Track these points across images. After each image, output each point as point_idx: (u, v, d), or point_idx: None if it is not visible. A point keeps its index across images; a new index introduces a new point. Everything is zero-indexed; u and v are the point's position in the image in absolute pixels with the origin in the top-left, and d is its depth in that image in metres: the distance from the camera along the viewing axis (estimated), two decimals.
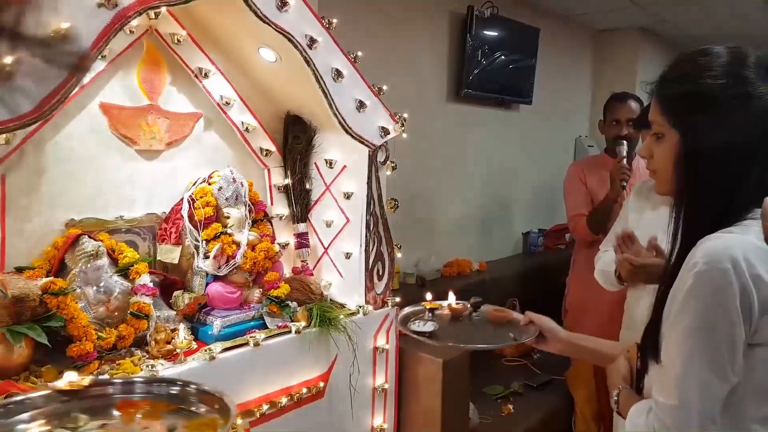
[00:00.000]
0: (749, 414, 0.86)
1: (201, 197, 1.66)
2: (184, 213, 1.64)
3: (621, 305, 2.18)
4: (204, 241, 1.63)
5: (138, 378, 0.91)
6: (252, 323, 1.68)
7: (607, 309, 2.34)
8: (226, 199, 1.69)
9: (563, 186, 2.71)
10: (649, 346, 0.95)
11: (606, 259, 1.90)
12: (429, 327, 1.37)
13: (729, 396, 0.85)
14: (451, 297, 1.52)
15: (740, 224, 0.87)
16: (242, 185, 1.74)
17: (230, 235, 1.67)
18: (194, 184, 1.71)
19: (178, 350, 1.44)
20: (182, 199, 1.68)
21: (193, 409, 0.83)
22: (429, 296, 1.51)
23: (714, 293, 0.82)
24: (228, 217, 1.69)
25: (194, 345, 1.52)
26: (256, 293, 1.73)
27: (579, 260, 2.68)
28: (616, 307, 2.21)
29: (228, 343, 1.53)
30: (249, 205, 1.77)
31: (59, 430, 0.77)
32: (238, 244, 1.68)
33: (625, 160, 2.37)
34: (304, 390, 1.68)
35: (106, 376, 0.94)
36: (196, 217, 1.64)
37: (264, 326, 1.68)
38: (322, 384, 1.73)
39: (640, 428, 0.89)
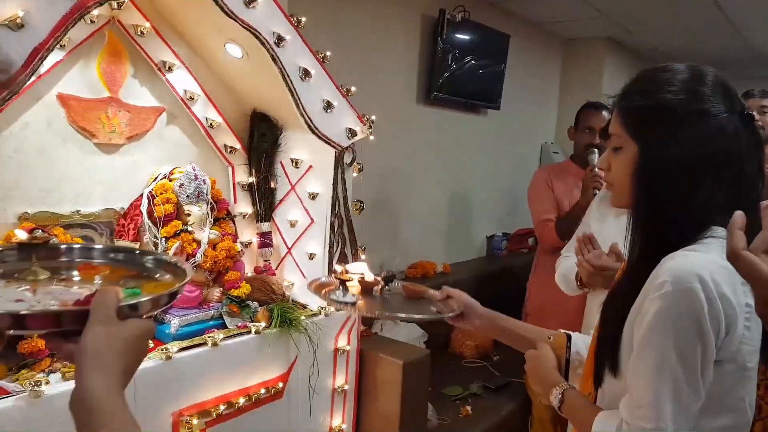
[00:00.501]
0: (706, 425, 0.87)
1: (161, 194, 1.63)
2: (143, 209, 1.61)
3: (581, 312, 2.23)
4: (163, 239, 1.60)
5: (97, 246, 0.90)
6: (211, 323, 1.65)
7: (566, 315, 2.38)
8: (188, 196, 1.66)
9: (528, 191, 2.76)
10: (608, 359, 0.94)
11: (567, 264, 1.93)
12: (349, 298, 1.29)
13: None
14: (363, 267, 1.39)
15: (702, 242, 0.88)
16: (204, 182, 1.72)
17: (191, 233, 1.64)
18: (154, 180, 1.68)
19: None
20: (141, 195, 1.65)
21: (151, 275, 0.83)
22: (339, 268, 1.44)
23: (685, 314, 0.82)
24: (189, 215, 1.66)
25: (150, 344, 1.49)
26: (216, 292, 1.70)
27: (541, 265, 2.73)
28: (575, 313, 2.26)
29: (185, 343, 1.51)
30: (211, 203, 1.74)
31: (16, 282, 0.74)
32: (198, 243, 1.65)
33: (597, 168, 2.42)
34: (263, 390, 1.66)
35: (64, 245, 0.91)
36: (155, 214, 1.60)
37: (223, 326, 1.66)
38: (281, 384, 1.72)
39: None
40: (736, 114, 0.91)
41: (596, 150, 2.46)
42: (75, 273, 0.82)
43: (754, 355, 0.88)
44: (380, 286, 1.37)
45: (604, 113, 2.55)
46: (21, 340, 1.31)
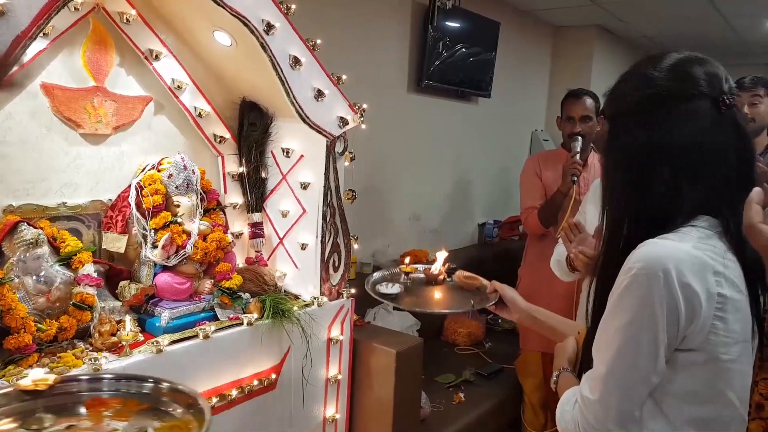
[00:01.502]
0: (682, 416, 0.87)
1: (149, 185, 1.60)
2: (132, 201, 1.58)
3: (570, 297, 2.24)
4: (152, 230, 1.58)
5: (107, 375, 0.84)
6: (202, 315, 1.64)
7: (556, 300, 2.39)
8: (177, 187, 1.64)
9: (519, 179, 2.76)
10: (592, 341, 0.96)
11: (560, 249, 1.93)
12: (395, 289, 1.42)
13: (662, 399, 0.87)
14: (440, 258, 1.57)
15: (678, 231, 0.88)
16: (194, 173, 1.69)
17: (180, 224, 1.62)
18: (142, 171, 1.65)
19: (123, 343, 1.39)
20: (129, 186, 1.62)
21: (165, 408, 0.78)
22: (407, 260, 1.57)
23: (642, 298, 0.83)
24: (178, 206, 1.64)
25: (141, 337, 1.48)
26: (207, 284, 1.69)
27: (530, 252, 2.74)
28: (565, 299, 2.27)
29: (176, 336, 1.49)
30: (201, 194, 1.72)
31: (21, 431, 0.70)
32: (188, 234, 1.63)
33: (578, 156, 2.41)
34: (256, 382, 1.66)
35: (74, 372, 0.84)
36: (144, 205, 1.58)
37: (215, 318, 1.65)
38: (274, 376, 1.71)
39: (567, 416, 0.93)
40: (706, 99, 0.88)
41: (579, 137, 2.44)
42: (83, 412, 0.76)
43: (733, 347, 0.86)
44: (443, 277, 1.53)
45: (585, 100, 2.52)
46: (7, 335, 1.28)
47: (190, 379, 1.49)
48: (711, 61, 0.92)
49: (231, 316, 1.65)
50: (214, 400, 1.54)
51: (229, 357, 1.59)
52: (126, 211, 1.59)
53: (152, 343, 1.42)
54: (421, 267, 1.56)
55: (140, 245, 1.59)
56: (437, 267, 1.55)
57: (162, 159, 1.68)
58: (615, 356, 0.86)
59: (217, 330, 1.56)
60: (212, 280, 1.70)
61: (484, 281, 1.49)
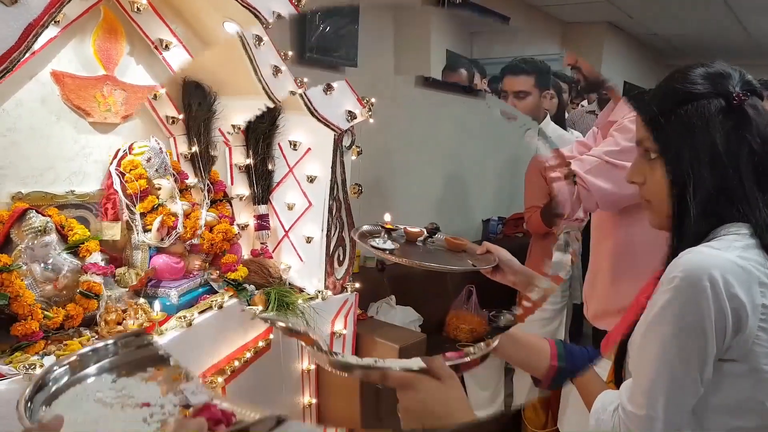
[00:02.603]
0: (721, 427, 0.87)
1: (131, 170, 1.58)
2: (117, 187, 1.56)
3: None
4: (140, 215, 1.57)
5: None
6: (201, 290, 1.67)
7: None
8: (156, 170, 1.62)
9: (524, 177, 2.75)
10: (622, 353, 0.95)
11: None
12: (389, 245, 1.33)
13: (699, 409, 0.86)
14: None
15: (722, 238, 0.86)
16: (167, 155, 1.67)
17: (166, 206, 1.62)
18: (116, 157, 1.61)
19: (154, 321, 1.43)
20: (110, 174, 1.58)
21: None
22: (388, 217, 1.46)
23: (690, 309, 0.82)
24: (159, 189, 1.62)
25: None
26: (196, 261, 1.69)
27: (534, 250, 2.73)
28: None
29: (201, 306, 1.54)
30: (174, 175, 1.69)
31: None
32: (175, 215, 1.62)
33: None
34: (261, 343, 1.71)
35: None
36: (128, 191, 1.56)
37: (212, 291, 1.68)
38: (272, 336, 1.75)
39: (605, 426, 0.90)
40: (714, 99, 0.89)
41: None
42: None
43: None
44: (424, 237, 1.43)
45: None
46: (15, 322, 1.29)
47: (214, 347, 1.55)
48: (720, 62, 0.93)
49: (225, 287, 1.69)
50: (236, 363, 1.59)
51: (238, 323, 1.63)
52: (115, 198, 1.57)
53: (180, 317, 1.46)
54: (401, 226, 1.45)
55: (129, 231, 1.58)
56: (416, 227, 1.45)
57: (132, 144, 1.64)
58: (661, 368, 0.84)
59: (230, 298, 1.61)
60: (201, 257, 1.71)
61: (472, 244, 1.40)
